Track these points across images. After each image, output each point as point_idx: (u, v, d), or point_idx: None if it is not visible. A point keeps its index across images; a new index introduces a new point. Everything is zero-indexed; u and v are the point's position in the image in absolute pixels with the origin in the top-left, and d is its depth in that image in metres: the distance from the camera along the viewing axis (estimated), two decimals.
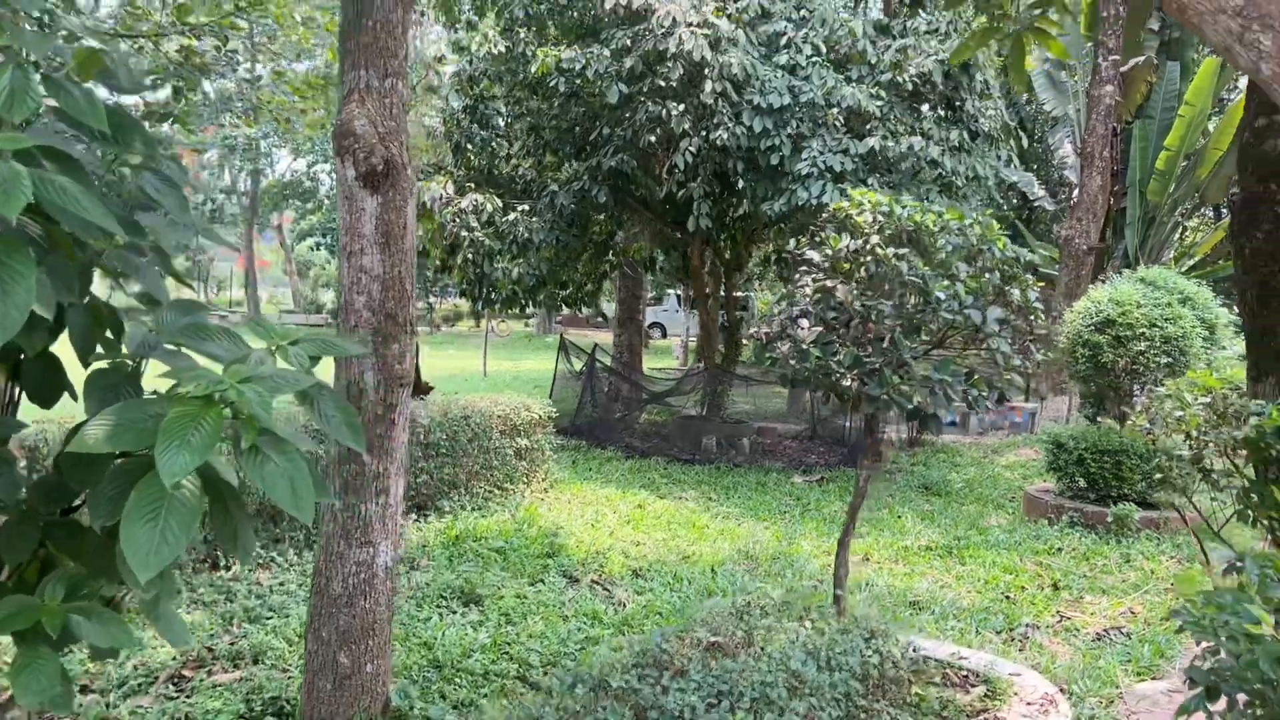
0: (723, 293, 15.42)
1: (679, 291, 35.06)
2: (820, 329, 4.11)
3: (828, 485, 10.92)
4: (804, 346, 4.04)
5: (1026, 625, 6.24)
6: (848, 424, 13.00)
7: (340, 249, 4.14)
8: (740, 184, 11.57)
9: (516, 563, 7.14)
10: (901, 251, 3.99)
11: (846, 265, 4.19)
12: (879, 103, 11.11)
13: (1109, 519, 8.39)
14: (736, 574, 7.10)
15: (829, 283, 4.05)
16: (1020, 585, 7.12)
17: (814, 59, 11.30)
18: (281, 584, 6.34)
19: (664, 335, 38.43)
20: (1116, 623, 6.37)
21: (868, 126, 11.18)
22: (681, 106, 10.98)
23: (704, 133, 11.03)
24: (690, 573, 7.14)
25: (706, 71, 10.68)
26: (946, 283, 3.92)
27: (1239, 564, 2.25)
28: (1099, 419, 9.42)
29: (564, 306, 15.60)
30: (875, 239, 4.01)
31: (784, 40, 11.59)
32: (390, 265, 4.10)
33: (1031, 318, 4.27)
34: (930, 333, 4.16)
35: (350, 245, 4.08)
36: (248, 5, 9.08)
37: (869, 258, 3.99)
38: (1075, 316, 9.07)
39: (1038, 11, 3.19)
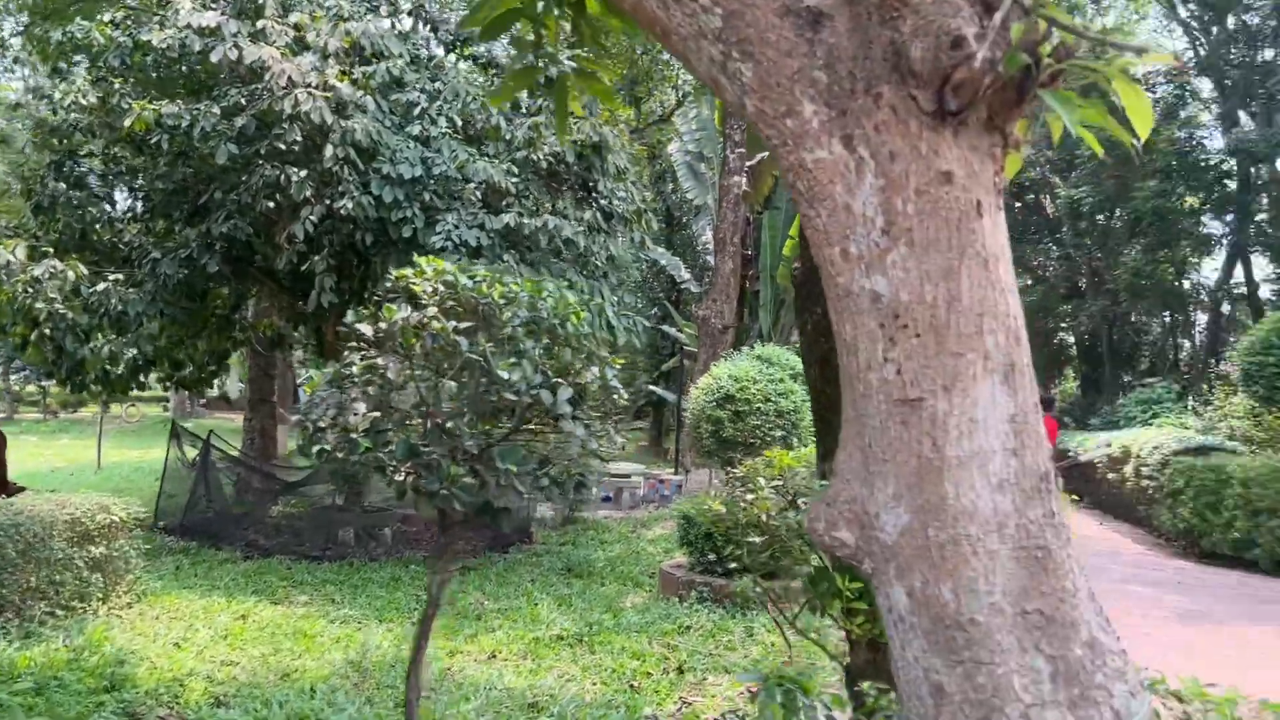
0: None
1: None
2: (377, 414, 3.56)
3: (468, 574, 10.30)
4: (353, 435, 3.47)
5: (648, 717, 5.97)
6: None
7: None
8: (373, 257, 10.89)
9: (61, 703, 5.80)
10: (464, 326, 3.56)
11: (413, 340, 3.69)
12: (514, 179, 10.97)
13: (734, 592, 8.48)
14: (340, 691, 6.25)
15: (380, 360, 3.52)
16: (646, 671, 6.89)
17: (447, 132, 10.99)
18: None
19: None
20: (735, 704, 6.27)
21: (505, 202, 10.99)
22: (304, 172, 10.16)
23: (328, 201, 10.27)
24: (286, 694, 6.18)
25: (330, 136, 9.98)
26: (514, 360, 3.53)
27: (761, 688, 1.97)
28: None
29: (180, 388, 13.91)
30: (433, 310, 3.54)
31: (417, 110, 11.18)
32: None
33: (614, 397, 3.99)
34: (509, 416, 3.74)
35: None
36: None
37: (426, 332, 3.52)
38: (699, 393, 9.27)
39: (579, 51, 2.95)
